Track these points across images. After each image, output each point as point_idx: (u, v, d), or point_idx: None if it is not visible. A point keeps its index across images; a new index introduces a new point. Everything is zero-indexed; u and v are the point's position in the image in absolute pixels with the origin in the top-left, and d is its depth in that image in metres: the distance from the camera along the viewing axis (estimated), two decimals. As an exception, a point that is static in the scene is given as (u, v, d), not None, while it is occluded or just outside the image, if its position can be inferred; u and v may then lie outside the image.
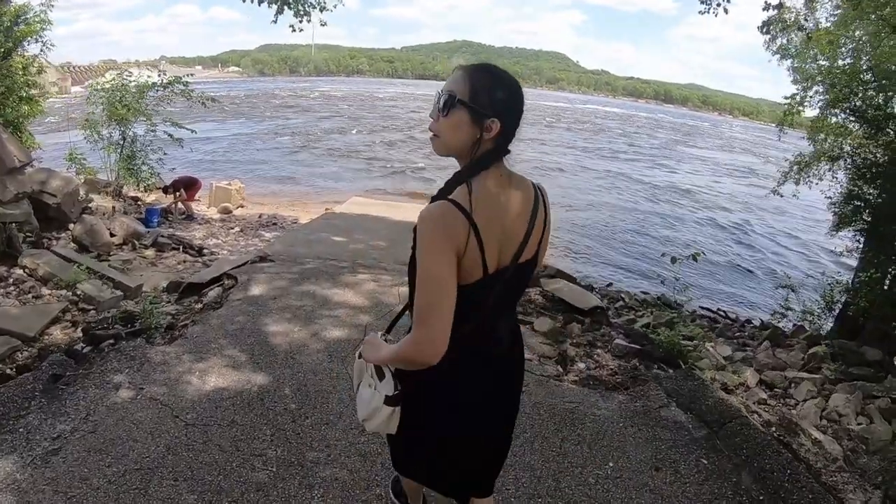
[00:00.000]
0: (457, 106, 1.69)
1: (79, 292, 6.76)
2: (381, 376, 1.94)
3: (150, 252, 9.71)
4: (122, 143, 13.25)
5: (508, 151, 1.76)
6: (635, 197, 24.18)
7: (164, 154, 13.79)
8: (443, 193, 1.72)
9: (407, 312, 1.86)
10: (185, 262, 9.40)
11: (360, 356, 2.05)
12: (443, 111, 1.73)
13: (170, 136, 13.41)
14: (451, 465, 2.05)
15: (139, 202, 13.31)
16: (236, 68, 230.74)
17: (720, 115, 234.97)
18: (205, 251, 10.24)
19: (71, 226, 9.07)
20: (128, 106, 12.79)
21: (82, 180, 13.11)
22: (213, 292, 6.45)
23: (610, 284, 12.89)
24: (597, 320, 6.72)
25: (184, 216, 13.38)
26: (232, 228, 12.87)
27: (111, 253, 9.04)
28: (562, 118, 76.67)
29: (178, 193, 13.29)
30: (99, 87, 13.20)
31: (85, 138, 13.43)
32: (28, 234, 8.28)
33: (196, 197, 14.64)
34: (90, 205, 10.60)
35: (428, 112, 1.85)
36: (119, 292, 6.96)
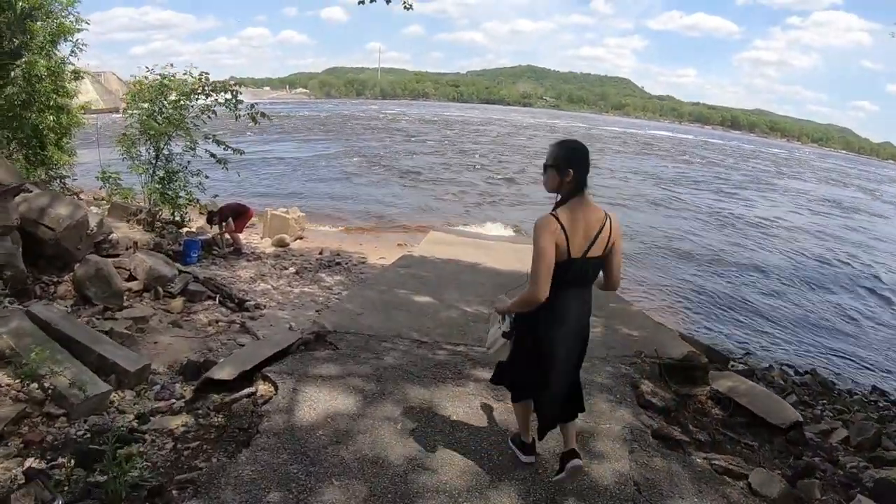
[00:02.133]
0: (548, 170, 3.13)
1: (47, 384, 4.60)
2: (502, 319, 3.51)
3: (176, 303, 7.62)
4: (154, 162, 11.35)
5: (586, 186, 3.07)
6: (759, 245, 20.71)
7: (206, 177, 11.82)
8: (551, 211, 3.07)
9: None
10: (218, 322, 7.24)
11: (495, 309, 3.55)
12: (543, 172, 3.18)
13: (212, 155, 11.45)
14: (543, 378, 3.33)
15: (180, 230, 11.35)
16: (304, 90, 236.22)
17: (788, 141, 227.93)
18: (248, 303, 8.09)
19: (77, 266, 7.05)
20: (168, 119, 10.90)
21: (108, 206, 11.29)
22: (241, 402, 4.16)
23: (747, 353, 10.47)
24: (793, 441, 5.02)
25: (231, 250, 11.36)
26: (286, 269, 10.75)
27: (123, 305, 6.95)
28: (631, 144, 72.74)
29: (224, 224, 11.30)
30: (137, 93, 11.39)
31: (121, 156, 11.64)
32: (11, 280, 6.28)
33: (249, 225, 12.65)
34: (111, 237, 8.62)
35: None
36: (105, 387, 4.79)
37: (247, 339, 6.77)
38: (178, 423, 4.42)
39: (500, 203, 22.80)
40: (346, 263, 11.67)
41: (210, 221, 11.52)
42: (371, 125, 65.23)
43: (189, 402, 4.75)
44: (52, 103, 11.15)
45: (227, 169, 11.53)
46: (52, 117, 11.26)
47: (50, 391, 4.66)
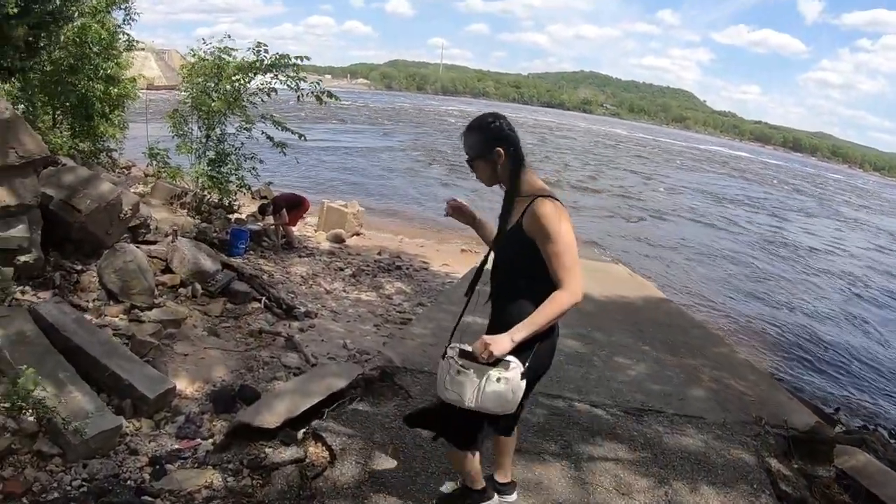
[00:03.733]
0: (474, 164, 2.60)
1: (42, 409, 3.66)
2: (505, 365, 2.43)
3: (216, 304, 6.70)
4: (205, 141, 10.46)
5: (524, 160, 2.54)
6: (822, 276, 18.52)
7: (261, 162, 10.87)
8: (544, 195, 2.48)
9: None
10: (262, 333, 6.24)
11: (459, 367, 2.55)
12: (472, 170, 2.66)
13: (269, 138, 10.46)
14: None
15: (228, 217, 10.46)
16: (364, 81, 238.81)
17: (850, 167, 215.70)
18: (297, 310, 7.07)
19: (103, 255, 6.15)
20: (224, 96, 10.00)
21: (150, 186, 10.49)
22: (285, 470, 3.10)
23: (867, 427, 8.68)
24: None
25: (283, 243, 10.44)
26: (342, 269, 9.76)
27: (154, 303, 6.02)
28: (703, 160, 69.09)
29: (278, 215, 10.38)
30: (193, 66, 10.54)
31: (171, 133, 10.84)
32: (25, 267, 5.41)
33: (303, 217, 11.71)
34: (149, 221, 7.74)
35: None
36: (114, 422, 3.83)
37: (293, 358, 5.76)
38: (201, 481, 3.40)
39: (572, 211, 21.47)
40: (408, 268, 10.65)
41: (263, 213, 10.62)
42: (432, 120, 64.34)
43: (218, 450, 3.73)
44: (101, 72, 10.44)
45: (284, 154, 10.51)
46: (100, 87, 10.54)
47: (45, 422, 3.69)
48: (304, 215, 11.73)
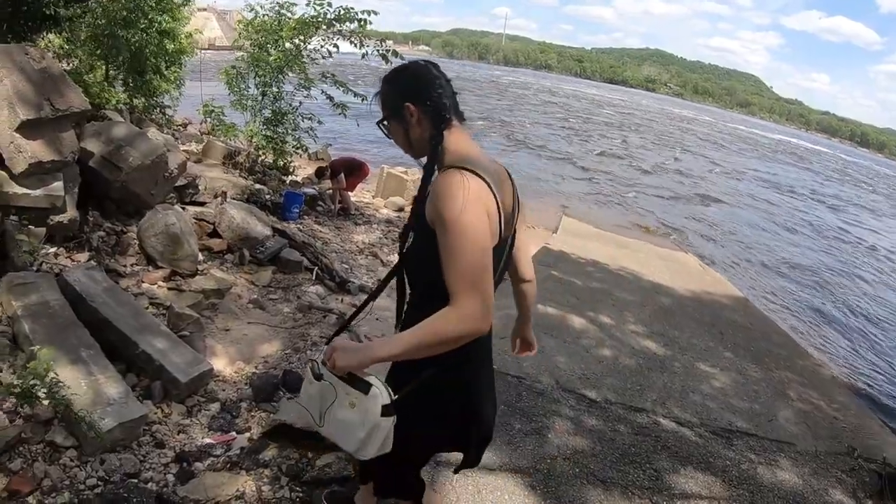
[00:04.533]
0: (388, 124, 1.93)
1: (58, 397, 3.24)
2: (362, 388, 1.71)
3: (264, 273, 6.25)
4: (261, 99, 9.97)
5: (449, 119, 1.82)
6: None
7: (319, 123, 10.34)
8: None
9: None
10: (311, 308, 5.74)
11: (318, 375, 1.78)
12: (387, 135, 1.97)
13: (329, 98, 9.91)
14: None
15: (282, 179, 10.02)
16: (426, 48, 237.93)
17: None
18: (351, 284, 6.56)
19: (144, 217, 5.74)
20: (282, 52, 9.46)
21: (202, 145, 10.11)
22: (333, 491, 2.59)
23: None
24: None
25: (339, 208, 9.97)
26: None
27: (197, 270, 5.59)
28: (781, 153, 64.86)
29: (335, 180, 9.89)
30: (250, 21, 10.04)
31: (226, 90, 10.41)
32: (58, 228, 5.03)
33: (362, 182, 11.18)
34: (197, 181, 7.33)
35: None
36: (139, 411, 3.39)
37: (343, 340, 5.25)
38: (231, 489, 2.93)
39: (630, 192, 20.27)
40: (467, 240, 9.98)
41: (319, 176, 10.14)
42: (495, 90, 62.81)
43: (254, 450, 3.25)
44: (155, 26, 10.06)
45: (345, 116, 9.94)
46: (154, 40, 10.17)
47: (60, 409, 3.26)
48: (363, 181, 11.20)
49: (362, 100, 9.44)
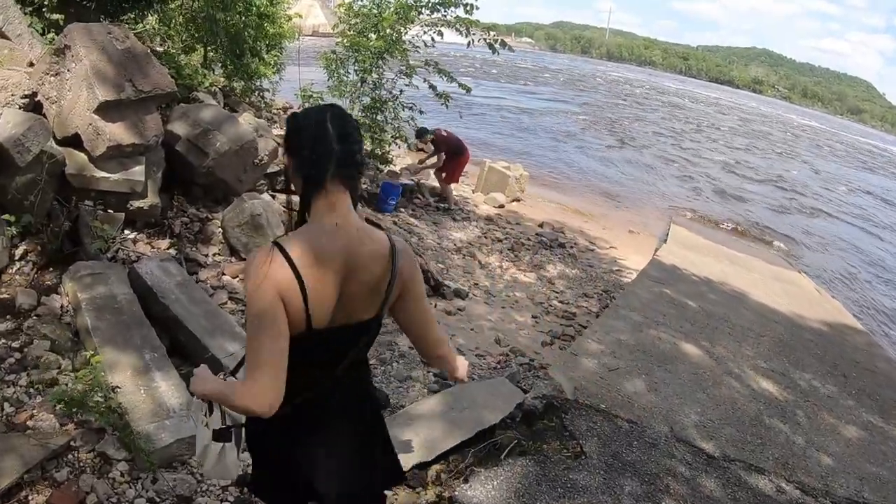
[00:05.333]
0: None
1: (112, 405, 2.90)
2: (210, 409, 1.89)
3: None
4: (360, 86, 9.60)
5: (322, 188, 1.62)
6: None
7: (421, 113, 9.88)
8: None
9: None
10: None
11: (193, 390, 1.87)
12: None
13: (431, 87, 9.45)
14: None
15: (380, 168, 9.63)
16: (529, 40, 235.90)
17: None
18: (446, 288, 6.07)
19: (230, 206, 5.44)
20: (383, 37, 9.06)
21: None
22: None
23: None
24: None
25: (436, 201, 9.51)
26: (500, 240, 8.65)
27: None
28: None
29: (437, 157, 9.42)
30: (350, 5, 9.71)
31: (325, 76, 10.14)
32: (138, 213, 4.78)
33: (462, 172, 10.65)
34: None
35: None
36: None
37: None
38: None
39: (740, 200, 18.79)
40: (571, 247, 9.37)
41: (420, 136, 9.78)
42: (599, 85, 61.02)
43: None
44: (253, 8, 9.88)
45: (446, 106, 9.46)
46: (253, 23, 10.01)
47: (113, 418, 2.91)
48: (463, 173, 10.67)
49: (467, 90, 8.93)
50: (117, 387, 3.05)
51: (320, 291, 1.59)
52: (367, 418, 1.98)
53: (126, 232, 4.88)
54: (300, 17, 12.91)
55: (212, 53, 10.19)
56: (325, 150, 1.61)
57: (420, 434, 2.97)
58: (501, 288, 6.91)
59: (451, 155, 9.63)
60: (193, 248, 5.09)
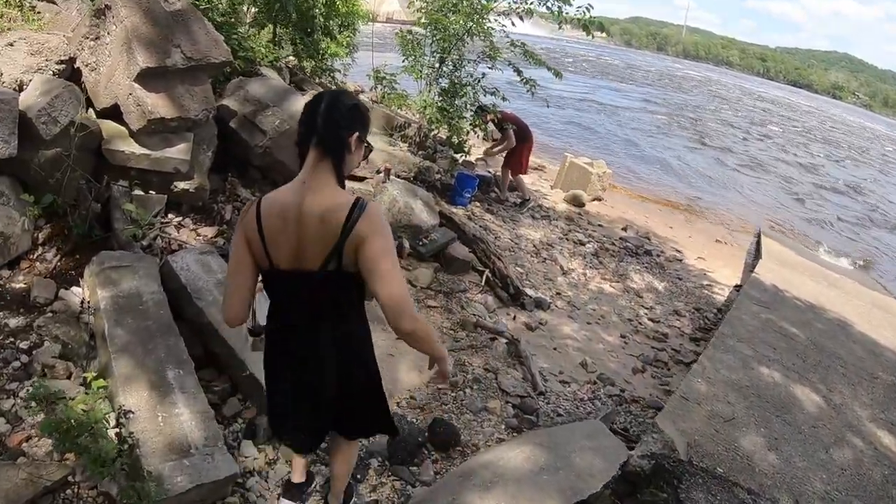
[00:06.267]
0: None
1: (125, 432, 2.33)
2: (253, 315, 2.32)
3: (425, 271, 5.26)
4: (438, 67, 8.90)
5: (302, 149, 2.05)
6: None
7: (504, 100, 9.04)
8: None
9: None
10: (476, 327, 4.62)
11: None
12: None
13: (518, 72, 8.67)
14: (276, 415, 2.38)
15: (456, 158, 8.96)
16: (603, 35, 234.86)
17: None
18: (526, 298, 5.38)
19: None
20: (466, 13, 8.36)
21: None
22: None
23: None
24: None
25: (514, 196, 8.80)
26: (582, 244, 7.88)
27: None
28: None
29: (506, 133, 8.63)
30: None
31: (400, 56, 9.52)
32: (184, 195, 4.28)
33: (530, 165, 9.80)
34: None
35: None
36: (228, 470, 2.46)
37: (515, 378, 4.09)
38: None
39: (831, 216, 17.36)
40: (658, 255, 8.54)
41: (499, 125, 8.83)
42: (676, 83, 58.82)
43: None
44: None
45: (532, 94, 8.67)
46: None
47: (124, 449, 2.35)
48: (529, 159, 9.76)
49: (559, 75, 8.14)
50: (130, 411, 2.50)
51: (276, 237, 1.95)
52: (333, 372, 2.18)
53: (170, 216, 4.38)
54: (393, 16, 12.39)
55: (281, 30, 9.72)
56: (310, 124, 2.00)
57: (497, 496, 2.32)
58: (586, 299, 6.16)
59: (519, 139, 8.84)
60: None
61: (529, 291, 5.57)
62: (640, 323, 6.06)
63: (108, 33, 4.04)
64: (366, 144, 2.15)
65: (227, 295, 2.06)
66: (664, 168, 17.46)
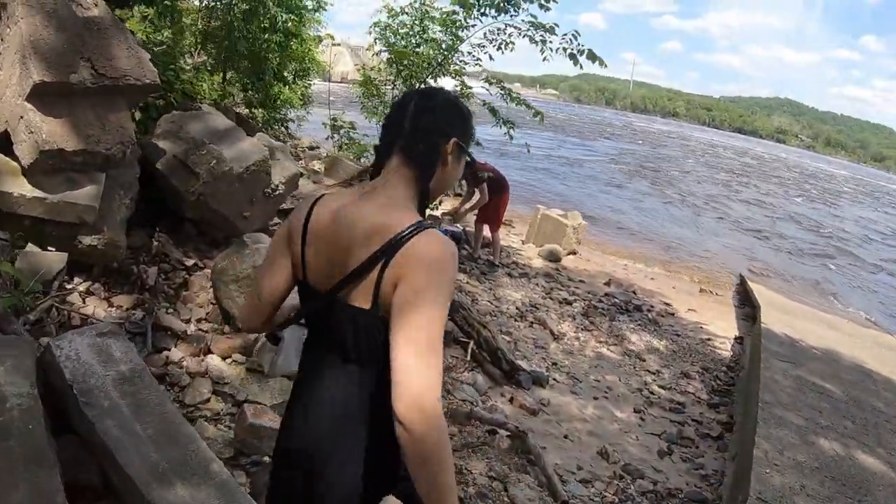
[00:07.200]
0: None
1: None
2: None
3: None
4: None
5: (377, 171, 1.57)
6: None
7: (478, 145, 8.00)
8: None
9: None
10: (472, 414, 3.74)
11: None
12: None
13: (493, 112, 7.72)
14: None
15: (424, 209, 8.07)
16: (553, 91, 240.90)
17: None
18: (522, 374, 4.49)
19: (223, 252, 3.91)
20: (433, 44, 7.62)
21: (328, 161, 8.46)
22: None
23: None
24: None
25: (486, 254, 7.93)
26: (569, 303, 7.03)
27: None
28: None
29: (480, 187, 7.76)
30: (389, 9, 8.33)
31: (358, 98, 8.72)
32: (94, 255, 3.32)
33: (504, 220, 8.90)
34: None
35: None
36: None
37: (526, 486, 3.16)
38: None
39: (800, 255, 17.31)
40: (648, 310, 7.81)
41: (473, 175, 7.53)
42: (630, 135, 59.99)
43: None
44: (279, 24, 8.59)
45: (511, 137, 7.82)
46: (277, 39, 8.72)
47: None
48: (503, 215, 8.89)
49: (536, 114, 7.32)
50: None
51: (317, 247, 1.51)
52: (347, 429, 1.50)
53: (76, 281, 3.40)
54: (347, 75, 11.78)
55: (231, 74, 8.88)
56: (395, 124, 1.54)
57: None
58: (587, 368, 5.28)
59: (493, 192, 8.01)
60: (171, 310, 3.58)
61: (523, 364, 4.67)
62: (651, 392, 5.25)
63: (2, 38, 3.12)
64: (468, 158, 1.58)
65: (249, 294, 1.76)
66: (634, 218, 17.27)
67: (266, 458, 2.69)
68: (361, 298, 1.42)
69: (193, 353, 3.28)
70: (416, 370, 1.28)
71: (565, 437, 3.93)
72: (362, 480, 1.50)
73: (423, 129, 1.49)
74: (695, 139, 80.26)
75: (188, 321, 3.56)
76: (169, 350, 3.24)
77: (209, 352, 3.35)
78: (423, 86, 7.52)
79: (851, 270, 16.39)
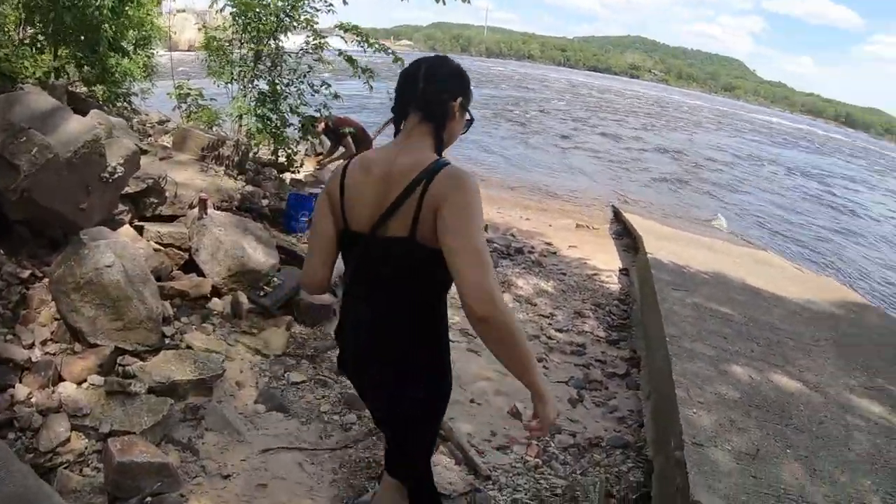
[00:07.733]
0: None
1: None
2: None
3: (275, 333, 3.99)
4: (252, 66, 7.17)
5: (399, 125, 1.88)
6: None
7: (336, 97, 7.51)
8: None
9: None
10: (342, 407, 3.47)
11: None
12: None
13: (349, 60, 7.17)
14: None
15: (282, 178, 7.60)
16: (408, 42, 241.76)
17: None
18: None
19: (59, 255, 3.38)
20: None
21: (174, 132, 7.78)
22: None
23: None
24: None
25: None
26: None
27: (163, 341, 3.31)
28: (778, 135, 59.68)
29: (343, 142, 7.57)
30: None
31: (206, 60, 7.92)
32: None
33: None
34: (163, 185, 4.91)
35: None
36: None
37: (443, 468, 2.97)
38: None
39: (663, 181, 18.19)
40: (530, 251, 7.88)
41: (307, 131, 7.58)
42: (487, 80, 60.32)
43: None
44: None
45: (371, 86, 7.13)
46: (109, 2, 7.75)
47: None
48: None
49: (395, 60, 6.90)
50: None
51: (355, 198, 1.78)
52: (389, 350, 1.84)
53: None
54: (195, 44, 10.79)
55: (63, 51, 7.89)
56: (409, 87, 1.83)
57: None
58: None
59: (358, 145, 7.67)
60: (9, 336, 3.05)
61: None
62: (549, 337, 5.22)
63: None
64: (468, 117, 1.91)
65: (306, 259, 1.97)
66: (500, 160, 17.41)
67: (149, 499, 2.34)
68: (400, 228, 1.68)
69: (42, 385, 2.79)
70: (480, 270, 1.52)
71: (472, 401, 3.75)
72: (421, 401, 1.87)
73: (435, 92, 1.78)
74: (552, 79, 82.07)
75: (31, 346, 3.05)
76: (13, 387, 2.74)
77: (60, 379, 2.89)
78: (274, 42, 7.04)
79: (717, 192, 17.33)
